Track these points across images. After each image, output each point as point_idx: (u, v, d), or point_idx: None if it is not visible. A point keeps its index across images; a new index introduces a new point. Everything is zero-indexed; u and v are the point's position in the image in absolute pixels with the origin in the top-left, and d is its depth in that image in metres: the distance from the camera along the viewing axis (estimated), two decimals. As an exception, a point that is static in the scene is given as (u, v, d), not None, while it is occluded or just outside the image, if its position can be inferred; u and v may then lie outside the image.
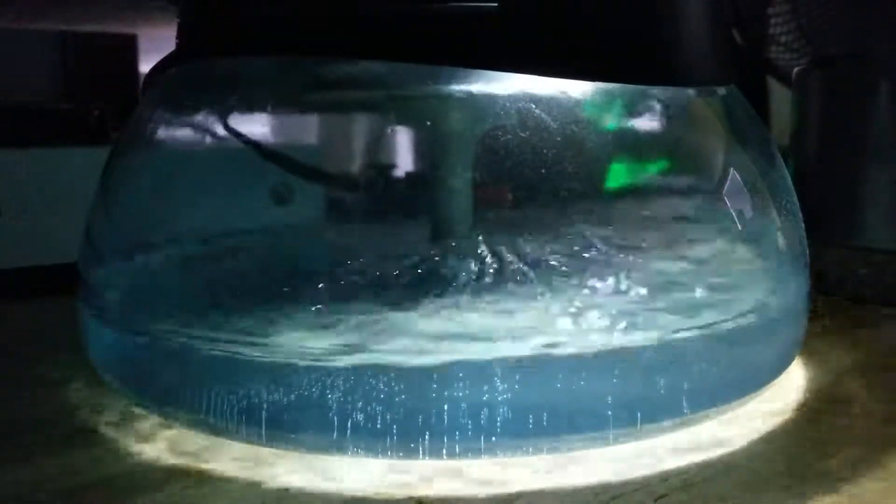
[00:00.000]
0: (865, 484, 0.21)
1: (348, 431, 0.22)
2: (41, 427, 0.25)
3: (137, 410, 0.26)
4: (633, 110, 0.25)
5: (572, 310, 0.23)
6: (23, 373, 0.30)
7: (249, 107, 0.26)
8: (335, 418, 0.22)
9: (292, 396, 0.22)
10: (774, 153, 0.29)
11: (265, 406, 0.22)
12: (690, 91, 0.27)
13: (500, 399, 0.21)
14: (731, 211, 0.26)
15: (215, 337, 0.23)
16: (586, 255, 0.23)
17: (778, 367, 0.27)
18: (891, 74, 0.39)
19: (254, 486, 0.21)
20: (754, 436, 0.24)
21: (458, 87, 0.24)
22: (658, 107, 0.26)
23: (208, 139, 0.27)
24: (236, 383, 0.22)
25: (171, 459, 0.23)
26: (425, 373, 0.22)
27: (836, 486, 0.21)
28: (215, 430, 0.23)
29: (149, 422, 0.25)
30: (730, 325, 0.25)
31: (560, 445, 0.22)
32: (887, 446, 0.24)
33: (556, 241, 0.23)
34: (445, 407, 0.21)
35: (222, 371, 0.23)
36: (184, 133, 0.28)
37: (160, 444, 0.24)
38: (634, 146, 0.25)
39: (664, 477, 0.22)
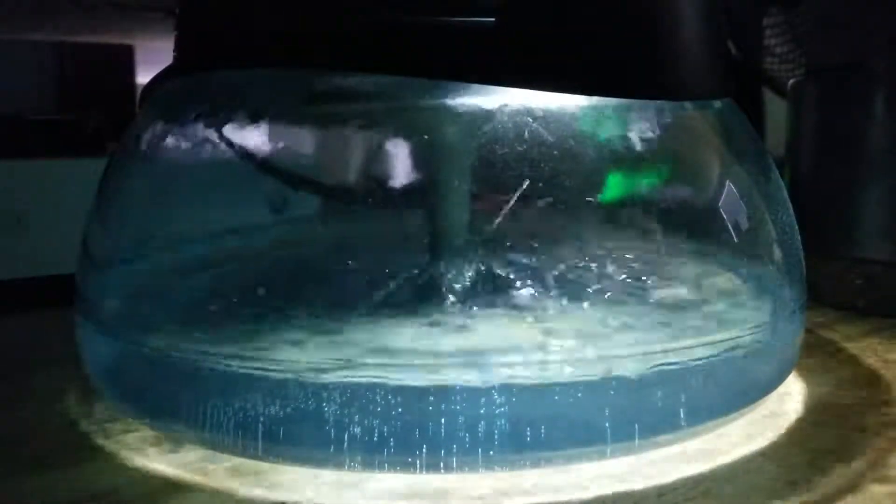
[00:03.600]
0: (863, 497, 0.21)
1: (345, 446, 0.22)
2: (35, 440, 0.25)
3: (134, 423, 0.26)
4: (628, 124, 0.25)
5: (569, 327, 0.23)
6: (18, 385, 0.30)
7: (246, 119, 0.26)
8: (331, 431, 0.22)
9: (288, 409, 0.22)
10: (770, 165, 0.29)
11: (261, 419, 0.22)
12: (686, 104, 0.27)
13: (496, 414, 0.21)
14: (727, 224, 0.26)
15: (212, 349, 0.23)
16: (583, 269, 0.23)
17: (775, 381, 0.27)
18: (886, 86, 0.40)
19: (250, 501, 0.21)
20: (751, 449, 0.24)
21: (455, 101, 0.24)
22: (654, 120, 0.26)
23: (205, 151, 0.27)
24: (232, 396, 0.22)
25: (167, 473, 0.23)
26: (420, 388, 0.22)
27: (833, 499, 0.21)
28: (211, 443, 0.23)
29: (145, 434, 0.25)
30: (726, 340, 0.25)
31: (556, 460, 0.22)
32: (884, 458, 0.24)
33: (553, 255, 0.23)
34: (442, 422, 0.21)
35: (218, 383, 0.23)
36: (181, 145, 0.27)
37: (156, 457, 0.24)
38: (630, 159, 0.25)
39: (661, 491, 0.22)
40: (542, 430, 0.22)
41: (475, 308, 0.23)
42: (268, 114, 0.26)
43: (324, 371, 0.22)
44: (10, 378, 0.31)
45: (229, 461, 0.23)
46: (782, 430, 0.26)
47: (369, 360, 0.22)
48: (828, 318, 0.38)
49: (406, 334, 0.23)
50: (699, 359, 0.24)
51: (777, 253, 0.27)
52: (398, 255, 0.24)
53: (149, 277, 0.27)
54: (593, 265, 0.24)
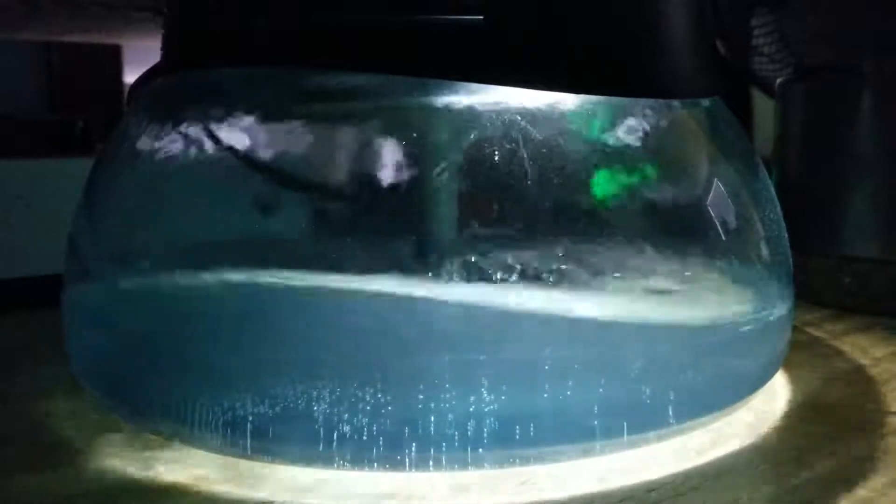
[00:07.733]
0: (851, 493, 0.22)
1: (334, 443, 0.22)
2: (19, 441, 0.25)
3: (121, 423, 0.26)
4: (617, 122, 0.25)
5: (558, 321, 0.23)
6: (4, 385, 0.30)
7: (234, 118, 0.26)
8: (320, 429, 0.22)
9: (277, 408, 0.22)
10: (758, 163, 0.29)
11: (249, 416, 0.22)
12: (675, 103, 0.27)
13: (485, 410, 0.21)
14: (715, 221, 0.26)
15: (202, 348, 0.23)
16: (572, 265, 0.23)
17: (762, 377, 0.27)
18: (874, 85, 0.40)
19: (238, 500, 0.21)
20: (740, 445, 0.24)
21: (443, 99, 0.24)
22: (642, 119, 0.26)
23: (193, 150, 0.27)
24: (221, 394, 0.22)
25: (155, 473, 0.23)
26: (408, 382, 0.22)
27: (822, 495, 0.21)
28: (201, 442, 0.23)
29: (132, 434, 0.25)
30: (715, 336, 0.25)
31: (545, 456, 0.22)
32: (872, 455, 0.24)
33: (541, 252, 0.23)
34: (431, 419, 0.21)
35: (207, 382, 0.23)
36: (168, 144, 0.27)
37: (143, 457, 0.23)
38: (619, 158, 0.25)
39: (650, 487, 0.22)
40: (531, 425, 0.22)
41: (464, 302, 0.23)
42: (256, 112, 0.26)
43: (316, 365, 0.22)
44: (-3, 378, 0.31)
45: (216, 459, 0.23)
46: (770, 428, 0.26)
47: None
48: (815, 316, 0.39)
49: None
50: (687, 355, 0.24)
51: (764, 250, 0.27)
52: (386, 251, 0.24)
53: (136, 276, 0.27)
54: (580, 261, 0.24)
